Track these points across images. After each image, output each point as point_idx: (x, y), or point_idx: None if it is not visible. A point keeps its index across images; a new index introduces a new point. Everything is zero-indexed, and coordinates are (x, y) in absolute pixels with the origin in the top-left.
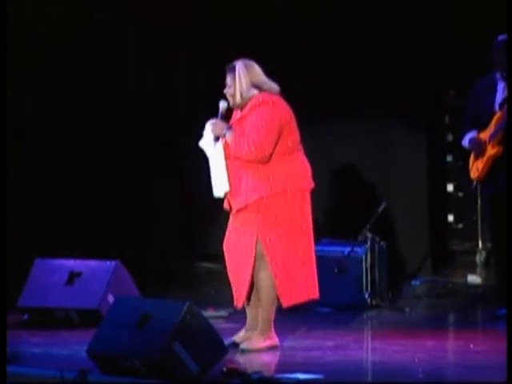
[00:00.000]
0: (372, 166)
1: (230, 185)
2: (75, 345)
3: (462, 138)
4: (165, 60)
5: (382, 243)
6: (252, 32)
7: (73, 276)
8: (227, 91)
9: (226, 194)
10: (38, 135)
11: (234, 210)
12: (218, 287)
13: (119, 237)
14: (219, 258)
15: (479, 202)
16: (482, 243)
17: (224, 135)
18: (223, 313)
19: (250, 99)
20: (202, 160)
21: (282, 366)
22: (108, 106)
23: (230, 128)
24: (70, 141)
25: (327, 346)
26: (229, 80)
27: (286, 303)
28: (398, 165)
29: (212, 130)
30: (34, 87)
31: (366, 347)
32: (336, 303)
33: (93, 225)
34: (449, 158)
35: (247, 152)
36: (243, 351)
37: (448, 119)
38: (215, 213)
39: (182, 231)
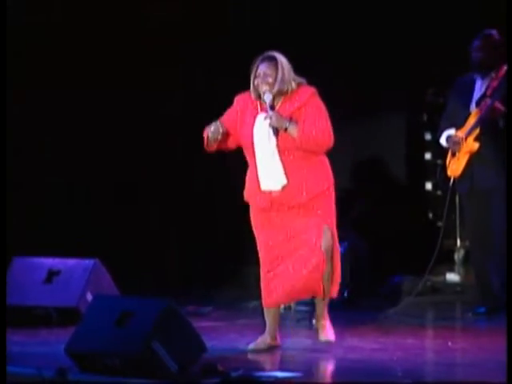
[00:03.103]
0: (350, 164)
1: (289, 179)
2: (54, 343)
3: (440, 134)
4: (179, 59)
5: (363, 241)
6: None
7: (51, 274)
8: (265, 80)
9: (270, 191)
10: (29, 134)
11: (287, 206)
12: None
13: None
14: None
15: (457, 199)
16: (461, 241)
17: (285, 127)
18: (203, 310)
19: (290, 91)
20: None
21: (261, 364)
22: (107, 106)
23: (291, 119)
24: (69, 140)
25: (306, 344)
26: (268, 69)
27: (335, 295)
28: (377, 163)
29: (272, 123)
30: (34, 87)
31: (345, 346)
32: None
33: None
34: (427, 157)
35: (319, 140)
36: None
37: (426, 117)
38: None
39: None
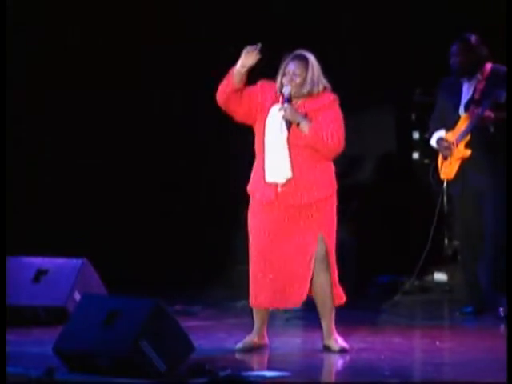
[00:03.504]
0: (338, 163)
1: (294, 174)
2: (42, 342)
3: (430, 136)
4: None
5: (351, 239)
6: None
7: (39, 274)
8: (293, 79)
9: (275, 184)
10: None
11: (289, 204)
12: None
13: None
14: None
15: (445, 199)
16: (449, 241)
17: (298, 122)
18: (192, 310)
19: (317, 94)
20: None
21: (249, 364)
22: (108, 106)
23: (305, 116)
24: (59, 140)
25: (294, 343)
26: (297, 69)
27: (339, 302)
28: (365, 162)
29: (286, 116)
30: (33, 87)
31: None
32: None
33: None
34: (415, 156)
35: (329, 143)
36: (342, 351)
37: (415, 117)
38: None
39: None
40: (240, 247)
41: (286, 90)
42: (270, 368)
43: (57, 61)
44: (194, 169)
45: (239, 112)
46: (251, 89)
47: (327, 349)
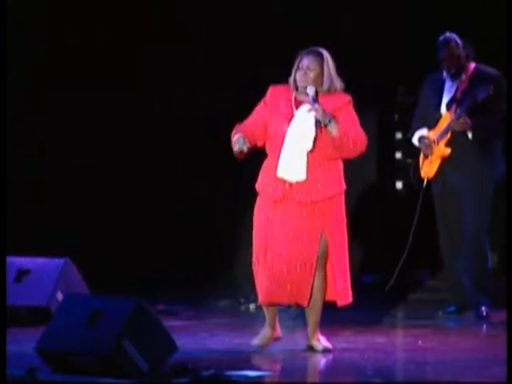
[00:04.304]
0: None
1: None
2: (24, 342)
3: (412, 134)
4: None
5: None
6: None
7: (21, 273)
8: (307, 73)
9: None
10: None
11: (297, 201)
12: None
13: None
14: None
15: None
16: (432, 240)
17: (326, 123)
18: (174, 309)
19: (333, 92)
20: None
21: (231, 364)
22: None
23: (334, 117)
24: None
25: (278, 343)
26: (311, 63)
27: (342, 303)
28: (347, 161)
29: (317, 116)
30: (33, 87)
31: None
32: None
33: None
34: (398, 156)
35: (357, 144)
36: (325, 351)
37: (397, 117)
38: None
39: None
40: (223, 246)
41: (311, 90)
42: (253, 368)
43: (57, 61)
44: (191, 169)
45: (260, 144)
46: (258, 115)
47: (310, 349)
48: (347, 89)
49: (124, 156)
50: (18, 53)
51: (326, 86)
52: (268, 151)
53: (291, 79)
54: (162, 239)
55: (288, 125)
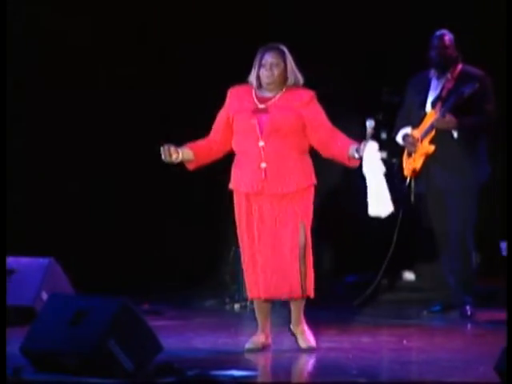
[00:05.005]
0: None
1: (278, 167)
2: (9, 342)
3: (396, 132)
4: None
5: (319, 240)
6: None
7: (6, 273)
8: (271, 69)
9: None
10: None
11: (272, 193)
12: None
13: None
14: None
15: (412, 198)
16: (417, 239)
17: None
18: (159, 309)
19: (296, 87)
20: None
21: (217, 363)
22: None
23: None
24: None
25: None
26: (274, 59)
27: (312, 295)
28: (332, 162)
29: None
30: (33, 87)
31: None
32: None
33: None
34: (383, 156)
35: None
36: (310, 349)
37: (382, 116)
38: None
39: None
40: (208, 245)
41: (370, 125)
42: (238, 367)
43: (57, 61)
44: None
45: (219, 155)
46: (219, 123)
47: (293, 335)
48: (335, 88)
49: (113, 154)
50: (18, 52)
51: (291, 80)
52: (237, 148)
53: (252, 77)
54: (146, 239)
55: (255, 118)
